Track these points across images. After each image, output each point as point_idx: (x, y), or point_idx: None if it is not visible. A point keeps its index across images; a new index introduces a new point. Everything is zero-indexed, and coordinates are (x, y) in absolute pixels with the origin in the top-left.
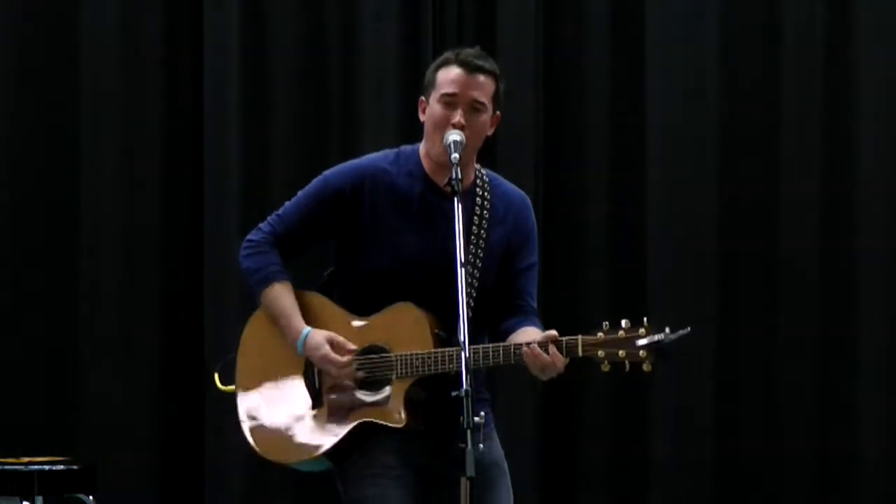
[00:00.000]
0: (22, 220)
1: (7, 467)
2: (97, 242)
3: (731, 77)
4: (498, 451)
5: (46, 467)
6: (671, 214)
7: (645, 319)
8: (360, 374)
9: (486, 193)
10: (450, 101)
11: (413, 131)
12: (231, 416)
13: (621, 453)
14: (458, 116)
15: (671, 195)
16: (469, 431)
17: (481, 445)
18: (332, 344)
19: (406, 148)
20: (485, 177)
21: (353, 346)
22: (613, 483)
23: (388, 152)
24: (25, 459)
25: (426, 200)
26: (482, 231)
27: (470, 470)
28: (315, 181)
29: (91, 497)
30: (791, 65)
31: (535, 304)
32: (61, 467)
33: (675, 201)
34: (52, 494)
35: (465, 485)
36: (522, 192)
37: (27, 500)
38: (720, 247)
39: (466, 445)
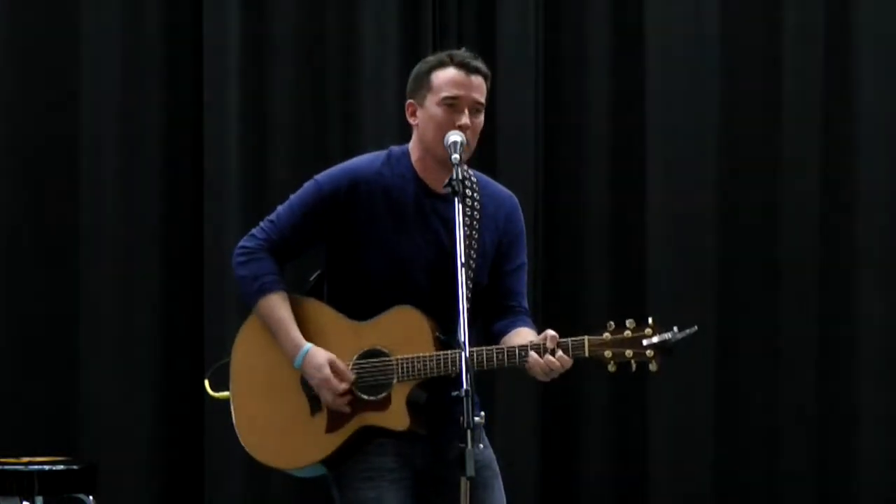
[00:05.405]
0: (22, 220)
1: (7, 467)
2: (97, 242)
3: (731, 77)
4: (489, 453)
5: (46, 467)
6: (671, 214)
7: (650, 319)
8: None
9: (475, 194)
10: (452, 104)
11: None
12: (231, 417)
13: (620, 462)
14: (465, 118)
15: (671, 195)
16: (469, 431)
17: (481, 445)
18: (334, 369)
19: (395, 149)
20: (473, 177)
21: (352, 377)
22: (613, 490)
23: (379, 154)
24: (25, 459)
25: (420, 202)
26: (474, 231)
27: (470, 470)
28: (307, 186)
29: (91, 497)
30: (791, 64)
31: (525, 304)
32: (61, 467)
33: (675, 201)
34: (52, 494)
35: (464, 485)
36: (510, 193)
37: (27, 500)
38: (720, 247)
39: (466, 445)
